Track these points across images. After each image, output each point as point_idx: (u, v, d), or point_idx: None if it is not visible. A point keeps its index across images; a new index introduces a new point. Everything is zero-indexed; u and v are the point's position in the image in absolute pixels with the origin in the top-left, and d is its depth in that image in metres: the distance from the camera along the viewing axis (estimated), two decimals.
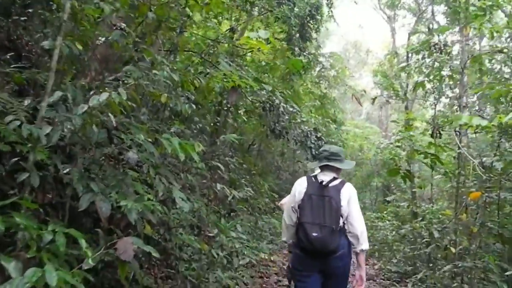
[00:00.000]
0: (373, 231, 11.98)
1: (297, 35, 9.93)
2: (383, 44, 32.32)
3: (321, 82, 14.71)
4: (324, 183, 3.57)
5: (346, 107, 23.89)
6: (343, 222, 3.51)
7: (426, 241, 7.38)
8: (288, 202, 3.89)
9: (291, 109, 8.67)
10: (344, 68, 16.36)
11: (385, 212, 14.85)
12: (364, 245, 3.56)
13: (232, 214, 8.98)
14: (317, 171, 3.98)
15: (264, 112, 8.31)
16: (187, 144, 3.41)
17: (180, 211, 4.48)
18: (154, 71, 3.52)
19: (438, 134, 6.63)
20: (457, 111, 8.15)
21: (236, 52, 8.57)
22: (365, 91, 14.84)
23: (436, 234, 6.22)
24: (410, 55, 18.29)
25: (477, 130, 5.34)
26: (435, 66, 8.98)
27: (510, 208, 5.64)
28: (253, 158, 17.50)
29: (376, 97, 11.10)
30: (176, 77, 3.64)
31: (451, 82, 8.85)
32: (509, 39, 9.83)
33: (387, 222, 11.63)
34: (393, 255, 8.88)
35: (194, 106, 4.99)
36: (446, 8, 18.26)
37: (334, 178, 3.65)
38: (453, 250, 5.52)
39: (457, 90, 8.77)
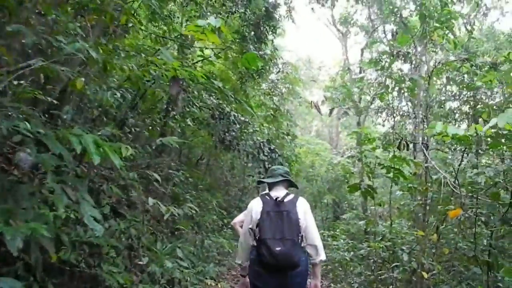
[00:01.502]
0: (327, 250, 11.33)
1: (252, 33, 9.19)
2: (335, 61, 32.57)
3: (274, 93, 14.08)
4: (279, 199, 3.63)
5: (296, 123, 23.52)
6: (301, 236, 3.58)
7: (387, 263, 6.77)
8: (245, 224, 3.85)
9: (242, 118, 7.92)
10: (298, 79, 15.85)
11: (337, 230, 14.34)
12: (322, 255, 3.67)
13: (176, 233, 8.07)
14: (266, 190, 4.08)
15: (214, 120, 7.51)
16: (111, 145, 2.56)
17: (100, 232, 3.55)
18: (59, 38, 2.63)
19: (405, 146, 6.07)
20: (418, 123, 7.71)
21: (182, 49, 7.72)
22: (325, 98, 14.32)
23: (405, 257, 5.60)
24: (363, 71, 18.17)
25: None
26: (393, 77, 8.59)
27: (489, 228, 5.08)
28: (201, 173, 16.74)
29: (334, 108, 10.60)
30: (95, 54, 2.77)
31: (410, 94, 8.40)
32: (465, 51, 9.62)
33: (341, 240, 11.01)
34: (351, 278, 8.19)
35: (118, 94, 4.10)
36: (396, 28, 18.40)
37: (287, 194, 3.74)
38: (425, 275, 4.90)
39: (420, 99, 8.35)
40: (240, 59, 9.54)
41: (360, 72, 18.63)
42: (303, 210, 3.66)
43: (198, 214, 8.32)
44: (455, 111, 9.72)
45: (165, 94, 9.76)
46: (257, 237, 3.60)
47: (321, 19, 47.30)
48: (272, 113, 13.31)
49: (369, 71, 14.60)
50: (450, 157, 8.31)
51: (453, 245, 5.28)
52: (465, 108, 9.44)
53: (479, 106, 7.57)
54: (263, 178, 4.93)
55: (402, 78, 8.49)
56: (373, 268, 7.45)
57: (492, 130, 4.24)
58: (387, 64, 8.92)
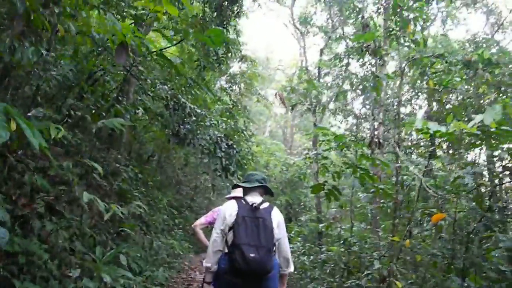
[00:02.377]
0: None
1: (214, 13, 8.50)
2: (292, 62, 32.27)
3: (231, 88, 13.47)
4: (255, 205, 3.58)
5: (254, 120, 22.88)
6: (274, 244, 3.54)
7: (353, 269, 6.35)
8: (216, 225, 3.70)
9: (198, 110, 7.28)
10: (256, 74, 15.31)
11: (292, 232, 13.95)
12: (292, 267, 3.72)
13: (122, 234, 7.32)
14: (234, 193, 4.24)
15: (167, 111, 6.82)
16: (31, 123, 1.91)
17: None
18: None
19: (377, 144, 5.65)
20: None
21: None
22: (289, 90, 13.76)
23: (377, 264, 5.16)
24: (321, 71, 17.97)
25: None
26: (356, 76, 8.24)
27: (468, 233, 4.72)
28: (152, 170, 16.03)
29: (296, 104, 10.15)
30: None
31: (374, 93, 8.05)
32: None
33: (298, 243, 10.59)
34: (310, 285, 7.69)
35: (43, 52, 3.38)
36: (355, 30, 18.30)
37: (263, 201, 3.70)
38: (398, 284, 4.47)
39: (381, 100, 7.99)
40: (199, 45, 8.88)
41: (318, 73, 18.44)
42: (277, 220, 3.63)
43: (147, 214, 7.60)
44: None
45: (116, 83, 9.02)
46: (229, 242, 3.52)
47: (281, 17, 47.33)
48: (230, 107, 12.67)
49: (327, 71, 14.31)
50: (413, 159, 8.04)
51: (426, 252, 4.91)
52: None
53: (449, 106, 7.32)
54: (239, 182, 4.61)
55: (366, 77, 8.13)
56: (334, 274, 7.02)
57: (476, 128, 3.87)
58: (347, 61, 8.51)
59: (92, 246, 4.35)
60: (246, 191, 3.88)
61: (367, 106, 12.39)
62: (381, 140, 5.88)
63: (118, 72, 8.62)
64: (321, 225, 9.74)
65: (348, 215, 15.99)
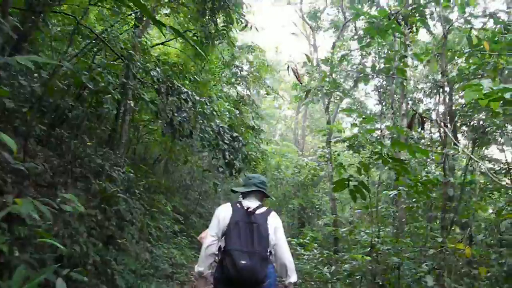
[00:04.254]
0: (296, 260, 9.77)
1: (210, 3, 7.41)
2: (302, 60, 31.12)
3: (237, 81, 12.40)
4: (250, 209, 3.46)
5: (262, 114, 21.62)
6: (270, 252, 3.39)
7: (382, 285, 5.19)
8: (210, 228, 3.56)
9: (197, 97, 6.22)
10: (265, 65, 14.22)
11: (307, 237, 12.83)
12: (294, 277, 3.45)
13: (111, 241, 6.28)
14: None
15: (159, 96, 5.77)
16: None
17: None
18: None
19: (419, 124, 4.54)
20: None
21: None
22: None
23: (430, 281, 4.00)
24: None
25: None
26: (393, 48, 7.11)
27: None
28: (158, 175, 15.22)
29: (310, 90, 9.08)
30: None
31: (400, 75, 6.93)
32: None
33: (314, 250, 9.46)
34: None
35: None
36: (366, 24, 17.16)
37: (260, 206, 3.57)
38: None
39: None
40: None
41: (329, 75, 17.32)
42: (274, 225, 3.48)
43: (139, 219, 6.55)
44: None
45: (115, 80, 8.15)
46: (221, 248, 3.39)
47: (289, 14, 46.29)
48: (238, 100, 11.52)
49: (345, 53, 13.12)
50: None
51: (495, 263, 3.80)
52: None
53: None
54: (237, 186, 4.21)
55: (391, 57, 7.06)
56: None
57: None
58: (367, 40, 7.43)
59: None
60: (244, 194, 3.73)
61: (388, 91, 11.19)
62: (424, 118, 4.75)
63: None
64: (342, 230, 8.53)
65: (366, 218, 14.94)
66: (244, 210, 3.48)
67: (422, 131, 5.07)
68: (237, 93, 12.59)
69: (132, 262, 6.03)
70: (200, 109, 6.38)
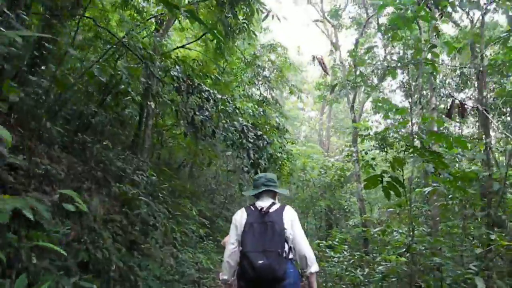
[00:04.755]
0: (328, 265, 9.45)
1: None
2: (324, 59, 30.61)
3: (259, 79, 12.13)
4: (264, 209, 3.50)
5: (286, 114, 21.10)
6: (289, 247, 3.41)
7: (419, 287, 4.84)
8: (230, 237, 3.57)
9: (219, 95, 5.99)
10: (288, 63, 13.90)
11: (336, 239, 12.47)
12: (314, 267, 3.43)
13: (135, 247, 6.11)
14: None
15: (179, 95, 5.57)
16: None
17: None
18: None
19: (460, 112, 4.18)
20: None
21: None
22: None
23: (480, 284, 3.65)
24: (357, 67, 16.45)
25: None
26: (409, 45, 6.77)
27: None
28: (184, 180, 15.18)
29: (336, 84, 8.74)
30: None
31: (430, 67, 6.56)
32: None
33: (344, 252, 9.11)
34: None
35: None
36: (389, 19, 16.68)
37: (273, 203, 3.58)
38: None
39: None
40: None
41: (354, 68, 16.91)
42: (290, 219, 3.48)
43: (163, 223, 6.36)
44: None
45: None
46: (240, 252, 3.41)
47: (310, 14, 45.90)
48: (261, 100, 11.22)
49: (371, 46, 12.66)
50: None
51: None
52: None
53: None
54: (247, 189, 4.13)
55: (419, 47, 6.71)
56: None
57: None
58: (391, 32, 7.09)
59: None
60: (256, 196, 3.72)
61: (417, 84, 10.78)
62: (466, 106, 4.36)
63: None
64: (374, 230, 8.15)
65: (396, 218, 14.45)
66: (258, 211, 3.51)
67: (463, 120, 4.70)
68: (260, 93, 12.34)
69: (156, 268, 5.84)
70: (222, 107, 6.17)
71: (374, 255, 9.69)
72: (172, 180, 13.75)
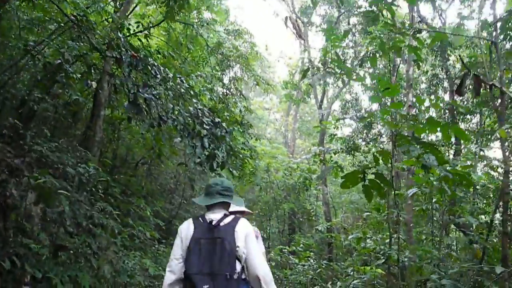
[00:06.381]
0: (292, 273, 8.60)
1: None
2: (291, 66, 29.89)
3: (222, 68, 11.14)
4: (214, 222, 3.02)
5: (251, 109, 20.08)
6: (242, 267, 2.94)
7: None
8: (172, 252, 3.08)
9: (170, 73, 4.99)
10: (255, 53, 12.94)
11: (300, 245, 11.69)
12: None
13: (60, 253, 5.03)
14: (233, 208, 3.69)
15: (119, 67, 4.53)
16: None
17: None
18: None
19: (476, 89, 3.36)
20: None
21: None
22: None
23: None
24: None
25: None
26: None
27: None
28: (141, 179, 14.17)
29: (308, 69, 7.92)
30: None
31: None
32: None
33: (311, 260, 8.28)
34: None
35: None
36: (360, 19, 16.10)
37: (225, 215, 3.11)
38: None
39: None
40: None
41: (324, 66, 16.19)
42: (244, 235, 2.99)
43: (97, 224, 5.30)
44: None
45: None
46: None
47: (278, 10, 45.35)
48: (224, 94, 10.26)
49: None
50: None
51: None
52: None
53: None
54: (198, 196, 3.38)
55: (406, 30, 5.96)
56: None
57: None
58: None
59: None
60: (208, 206, 3.23)
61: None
62: (482, 81, 3.55)
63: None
64: (351, 236, 7.28)
65: (361, 224, 13.79)
66: (207, 224, 3.04)
67: (478, 98, 3.95)
68: (223, 84, 11.37)
69: (85, 279, 4.77)
70: (172, 85, 5.16)
71: (342, 264, 8.94)
72: (127, 179, 12.73)
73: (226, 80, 11.99)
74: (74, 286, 4.77)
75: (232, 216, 3.16)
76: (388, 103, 10.60)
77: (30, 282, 4.36)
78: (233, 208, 4.10)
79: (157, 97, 4.84)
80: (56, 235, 4.97)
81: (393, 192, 3.99)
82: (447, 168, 3.55)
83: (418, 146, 3.50)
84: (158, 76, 4.89)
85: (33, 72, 8.59)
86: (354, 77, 6.29)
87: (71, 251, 5.13)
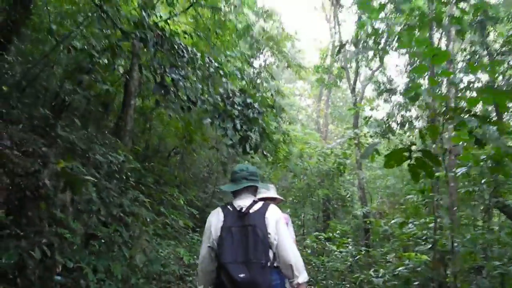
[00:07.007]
0: (328, 259, 8.32)
1: None
2: (322, 50, 29.32)
3: (253, 54, 10.86)
4: (243, 209, 2.98)
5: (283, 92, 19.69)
6: (273, 253, 2.90)
7: None
8: (203, 242, 3.07)
9: (196, 53, 4.74)
10: (286, 34, 12.54)
11: (336, 231, 11.35)
12: (301, 277, 2.90)
13: (91, 242, 4.91)
14: (262, 194, 3.81)
15: (144, 47, 4.31)
16: None
17: None
18: None
19: None
20: None
21: None
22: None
23: None
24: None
25: None
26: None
27: None
28: (173, 169, 14.22)
29: (343, 44, 7.53)
30: None
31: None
32: None
33: (349, 246, 7.96)
34: None
35: None
36: None
37: (255, 202, 3.06)
38: None
39: None
40: None
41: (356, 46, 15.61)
42: (274, 222, 2.93)
43: (128, 212, 5.16)
44: None
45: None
46: (218, 262, 2.88)
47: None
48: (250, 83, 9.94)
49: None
50: None
51: None
52: None
53: None
54: (226, 183, 3.67)
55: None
56: None
57: None
58: None
59: None
60: (235, 193, 3.17)
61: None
62: None
63: None
64: (393, 221, 6.91)
65: (400, 208, 13.33)
66: (236, 211, 2.99)
67: None
68: (253, 68, 11.08)
69: (117, 269, 4.63)
70: (201, 64, 4.92)
71: (381, 250, 8.59)
72: (160, 168, 12.74)
73: (256, 65, 11.70)
74: (107, 275, 4.65)
75: (261, 203, 3.09)
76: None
77: (61, 272, 4.25)
78: (264, 194, 4.15)
79: (185, 77, 4.63)
80: (87, 224, 4.84)
81: (443, 172, 3.63)
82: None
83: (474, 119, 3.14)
84: (185, 56, 4.68)
85: (65, 65, 8.57)
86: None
87: (103, 240, 5.00)
